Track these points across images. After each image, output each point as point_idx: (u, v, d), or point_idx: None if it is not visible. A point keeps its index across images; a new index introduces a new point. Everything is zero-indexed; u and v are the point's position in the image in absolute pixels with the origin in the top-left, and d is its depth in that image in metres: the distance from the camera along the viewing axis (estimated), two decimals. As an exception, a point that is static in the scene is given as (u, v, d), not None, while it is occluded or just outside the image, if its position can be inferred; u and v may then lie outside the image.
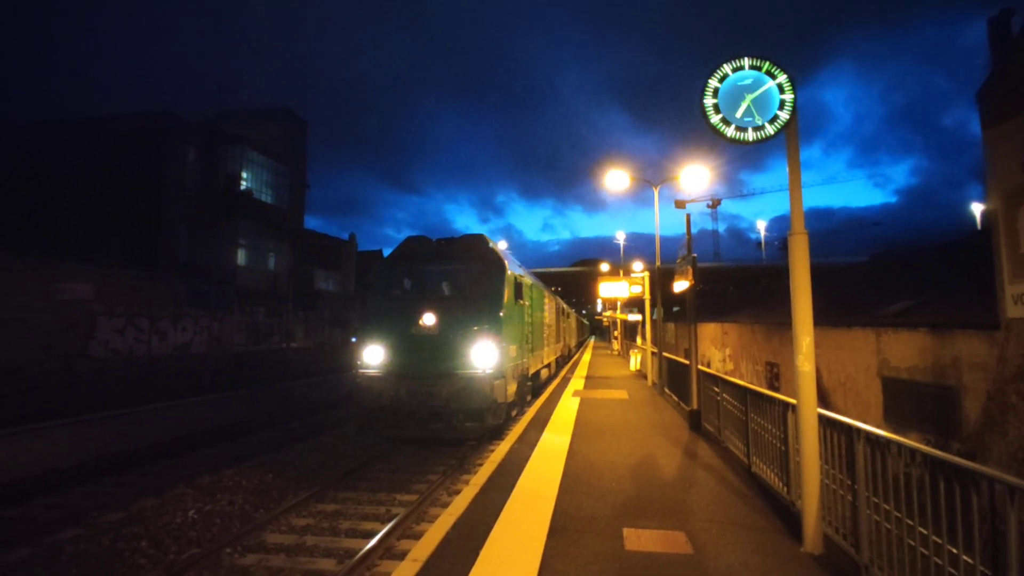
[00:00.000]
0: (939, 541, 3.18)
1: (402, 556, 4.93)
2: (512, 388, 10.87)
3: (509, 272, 11.28)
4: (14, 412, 12.61)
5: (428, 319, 10.31)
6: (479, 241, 11.71)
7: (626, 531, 4.96)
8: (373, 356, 10.52)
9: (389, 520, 7.05)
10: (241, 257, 28.17)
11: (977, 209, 38.50)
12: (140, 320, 19.58)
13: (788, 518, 5.22)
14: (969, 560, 2.96)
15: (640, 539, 4.79)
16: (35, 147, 25.43)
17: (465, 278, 11.22)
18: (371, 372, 10.43)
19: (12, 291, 15.56)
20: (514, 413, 11.83)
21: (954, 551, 3.06)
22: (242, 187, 28.53)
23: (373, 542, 6.06)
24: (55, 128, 26.08)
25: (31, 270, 16.20)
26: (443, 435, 10.12)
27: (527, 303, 13.09)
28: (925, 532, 3.31)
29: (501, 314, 10.48)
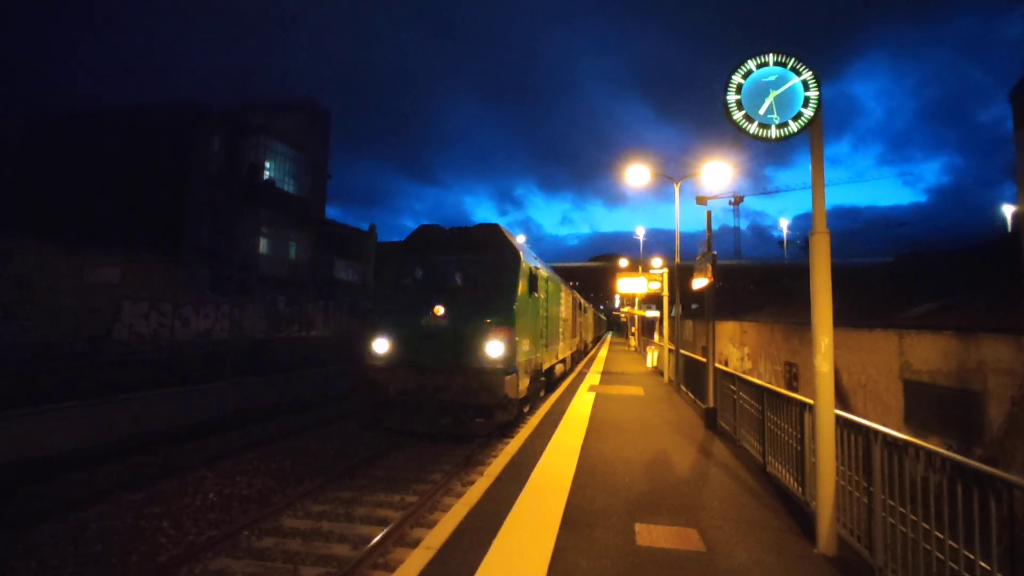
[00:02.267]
0: (956, 546, 3.15)
1: (415, 544, 5.01)
2: (524, 384, 10.62)
3: (524, 264, 11.02)
4: (44, 391, 13.00)
5: (439, 310, 10.04)
6: (494, 231, 11.37)
7: (638, 526, 4.98)
8: (381, 347, 10.25)
9: (403, 508, 7.15)
10: (263, 246, 28.56)
11: (1008, 211, 37.52)
12: (163, 305, 19.99)
13: (802, 518, 5.19)
14: (986, 567, 2.92)
15: (652, 535, 4.80)
16: (65, 136, 26.05)
17: (478, 269, 10.89)
18: (379, 364, 10.17)
19: (43, 275, 16.00)
20: (526, 409, 11.69)
21: (971, 557, 3.02)
22: (265, 176, 28.90)
23: (387, 529, 6.15)
24: (84, 118, 26.67)
25: (61, 254, 16.63)
26: (451, 431, 9.92)
27: (543, 296, 12.88)
28: (942, 537, 3.28)
29: (515, 307, 10.21)
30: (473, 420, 9.79)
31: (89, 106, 27.85)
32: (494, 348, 9.79)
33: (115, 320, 18.12)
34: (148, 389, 13.75)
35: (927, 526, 3.42)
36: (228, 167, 27.05)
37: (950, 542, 3.20)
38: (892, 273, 24.04)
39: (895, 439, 3.82)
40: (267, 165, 29.28)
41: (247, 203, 27.52)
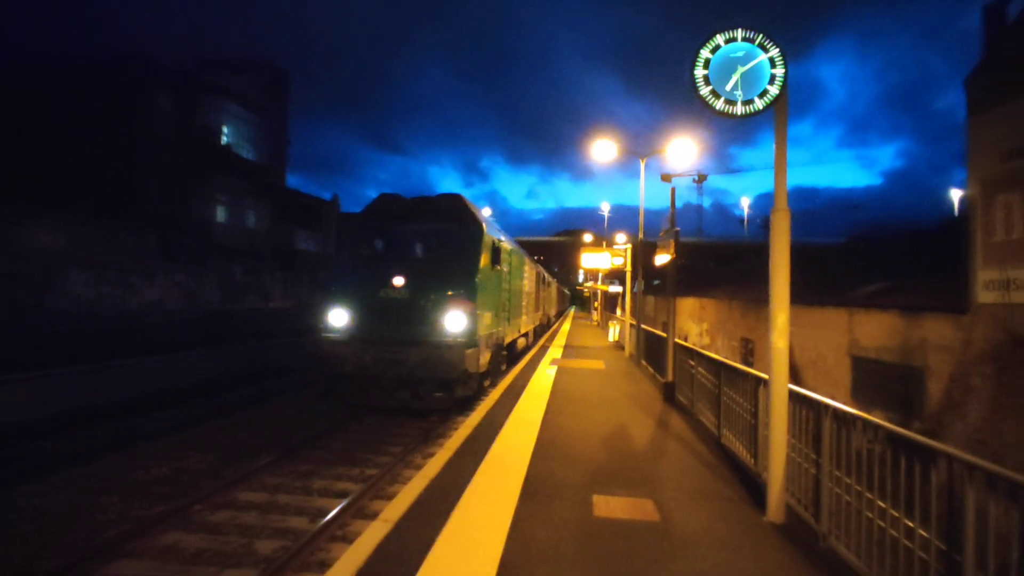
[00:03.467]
0: (896, 515, 3.29)
1: (374, 516, 4.97)
2: (485, 358, 10.50)
3: (487, 235, 10.81)
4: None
5: (397, 281, 9.76)
6: (456, 201, 11.04)
7: (596, 498, 5.06)
8: (338, 319, 9.98)
9: (362, 481, 7.11)
10: (219, 213, 27.56)
11: (955, 195, 39.11)
12: (108, 272, 19.11)
13: (754, 489, 5.36)
14: (924, 534, 3.06)
15: (609, 506, 4.88)
16: (2, 87, 24.29)
17: (440, 240, 10.60)
18: (335, 336, 9.89)
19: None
20: (487, 384, 11.62)
21: (910, 524, 3.17)
22: (222, 140, 27.76)
23: (345, 502, 6.10)
24: (23, 68, 24.87)
25: (-3, 217, 15.66)
26: (410, 405, 9.78)
27: (506, 269, 12.76)
28: (884, 505, 3.42)
29: (477, 279, 10.03)
30: (432, 394, 9.65)
31: (27, 54, 25.70)
32: (455, 321, 9.60)
33: (57, 288, 17.24)
34: (92, 361, 13.18)
35: (870, 496, 3.56)
36: (181, 128, 25.81)
37: (891, 511, 3.34)
38: (845, 253, 24.87)
39: (844, 413, 3.94)
40: (223, 128, 28.14)
41: (202, 168, 26.40)
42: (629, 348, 17.85)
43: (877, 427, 3.59)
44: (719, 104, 4.71)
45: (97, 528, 5.74)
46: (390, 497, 6.19)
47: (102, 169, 22.72)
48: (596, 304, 44.69)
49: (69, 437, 9.50)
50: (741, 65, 4.76)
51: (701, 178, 15.48)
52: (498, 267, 11.71)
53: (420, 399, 9.67)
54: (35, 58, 25.37)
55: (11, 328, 14.98)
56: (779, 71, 4.66)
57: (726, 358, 7.61)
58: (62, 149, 22.82)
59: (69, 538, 5.53)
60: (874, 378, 10.87)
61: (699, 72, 4.76)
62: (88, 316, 17.87)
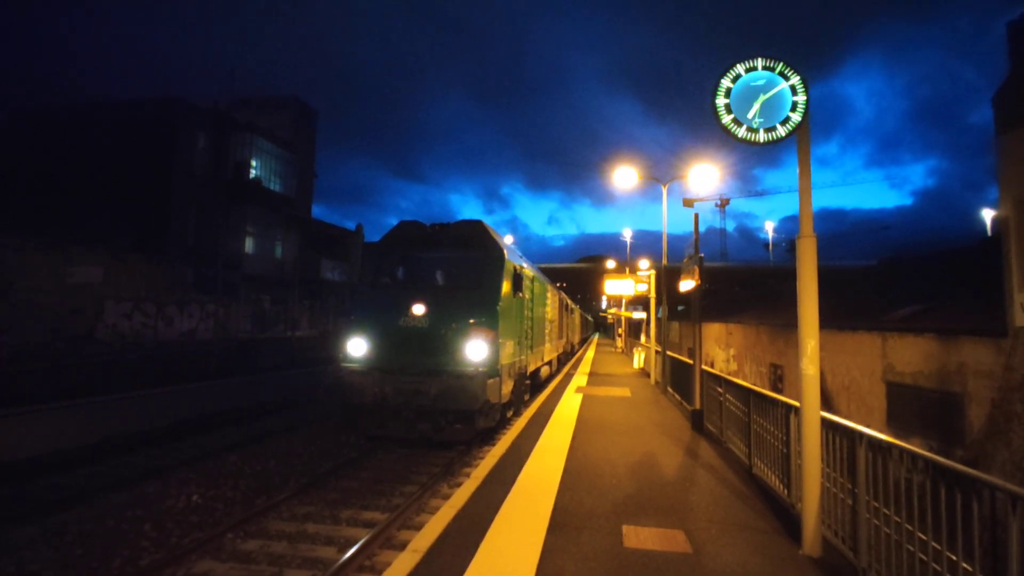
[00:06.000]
0: (938, 547, 3.19)
1: (402, 546, 4.98)
2: (508, 388, 10.29)
3: (508, 262, 10.65)
4: (23, 392, 12.77)
5: (417, 310, 9.60)
6: (476, 228, 10.84)
7: (625, 528, 4.99)
8: (357, 348, 9.83)
9: (389, 510, 7.11)
10: (248, 245, 28.30)
11: (988, 215, 38.21)
12: (147, 305, 19.73)
13: (788, 520, 5.23)
14: (968, 567, 2.96)
15: (639, 537, 4.81)
16: (47, 131, 25.60)
17: (460, 267, 10.47)
18: (355, 366, 9.72)
19: (24, 273, 15.71)
20: (510, 414, 11.43)
21: (953, 558, 3.06)
22: (251, 175, 28.65)
23: (373, 532, 6.11)
24: (66, 112, 26.22)
25: (42, 252, 16.34)
26: (431, 437, 9.54)
27: (527, 296, 12.62)
28: (924, 538, 3.31)
29: (498, 307, 9.82)
30: (453, 426, 9.45)
31: (72, 100, 27.37)
32: (476, 350, 9.39)
33: (97, 320, 17.84)
34: (130, 390, 13.55)
35: (910, 527, 3.45)
36: (214, 165, 26.78)
37: (933, 543, 3.24)
38: (876, 276, 24.37)
39: (879, 441, 3.86)
40: (253, 163, 29.02)
41: (233, 201, 27.28)
42: (655, 375, 17.63)
43: (914, 455, 3.50)
44: (741, 132, 4.75)
45: (137, 554, 5.85)
46: (418, 527, 6.20)
47: (140, 205, 23.62)
48: (620, 331, 44.33)
49: (111, 462, 9.73)
50: (762, 93, 4.80)
51: (724, 202, 15.52)
52: (520, 294, 11.59)
53: (441, 431, 9.46)
54: (79, 101, 26.75)
55: (68, 358, 15.56)
56: (800, 98, 4.69)
57: (755, 384, 7.49)
58: (102, 186, 23.82)
59: (115, 563, 5.66)
60: (911, 404, 10.55)
61: (720, 101, 4.82)
62: (130, 346, 18.43)
